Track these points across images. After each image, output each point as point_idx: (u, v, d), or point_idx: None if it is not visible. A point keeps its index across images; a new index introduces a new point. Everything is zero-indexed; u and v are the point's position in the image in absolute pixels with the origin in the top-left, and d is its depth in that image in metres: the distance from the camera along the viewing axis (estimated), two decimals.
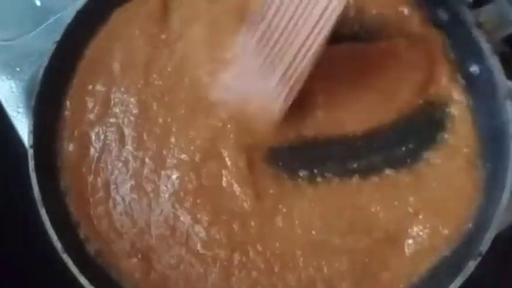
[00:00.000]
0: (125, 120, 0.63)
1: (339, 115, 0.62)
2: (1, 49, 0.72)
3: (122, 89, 0.64)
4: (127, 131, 0.62)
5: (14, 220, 0.68)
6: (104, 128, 0.63)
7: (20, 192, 0.59)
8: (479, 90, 0.61)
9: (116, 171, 0.61)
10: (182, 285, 0.57)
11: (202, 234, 0.58)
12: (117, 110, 0.63)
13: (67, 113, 0.63)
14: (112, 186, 0.61)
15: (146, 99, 0.63)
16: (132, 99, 0.63)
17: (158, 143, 0.61)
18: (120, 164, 0.61)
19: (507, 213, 0.56)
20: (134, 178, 0.61)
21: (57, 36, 0.62)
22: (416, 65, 0.63)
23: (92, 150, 0.62)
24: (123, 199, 0.60)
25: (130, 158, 0.61)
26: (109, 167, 0.61)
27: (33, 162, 0.58)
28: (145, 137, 0.62)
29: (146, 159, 0.61)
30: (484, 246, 0.53)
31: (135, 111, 0.63)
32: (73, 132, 0.63)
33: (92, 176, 0.61)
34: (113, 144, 0.62)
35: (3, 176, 0.70)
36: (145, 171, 0.61)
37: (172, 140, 0.61)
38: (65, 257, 0.55)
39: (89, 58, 0.65)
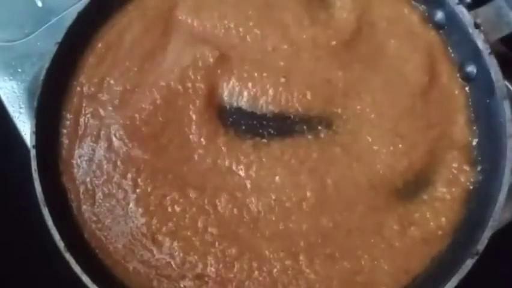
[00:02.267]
0: None
1: None
2: (3, 50, 0.73)
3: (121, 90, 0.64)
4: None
5: (16, 219, 0.69)
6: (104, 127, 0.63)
7: (23, 192, 0.60)
8: (477, 90, 0.62)
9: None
10: None
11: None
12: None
13: (68, 113, 0.64)
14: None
15: None
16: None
17: None
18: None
19: (504, 212, 0.56)
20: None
21: (59, 37, 0.62)
22: (417, 66, 0.63)
23: (92, 149, 0.62)
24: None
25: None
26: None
27: (35, 162, 0.58)
28: None
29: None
30: (481, 245, 0.54)
31: None
32: (75, 132, 0.63)
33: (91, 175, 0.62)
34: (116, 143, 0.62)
35: (6, 175, 0.71)
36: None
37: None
38: (68, 256, 0.55)
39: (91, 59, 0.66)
